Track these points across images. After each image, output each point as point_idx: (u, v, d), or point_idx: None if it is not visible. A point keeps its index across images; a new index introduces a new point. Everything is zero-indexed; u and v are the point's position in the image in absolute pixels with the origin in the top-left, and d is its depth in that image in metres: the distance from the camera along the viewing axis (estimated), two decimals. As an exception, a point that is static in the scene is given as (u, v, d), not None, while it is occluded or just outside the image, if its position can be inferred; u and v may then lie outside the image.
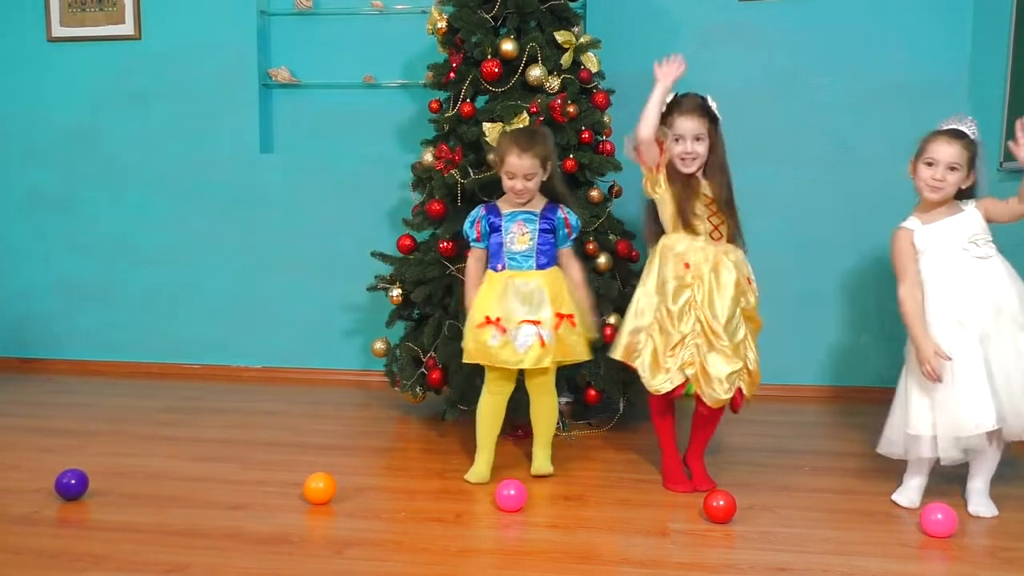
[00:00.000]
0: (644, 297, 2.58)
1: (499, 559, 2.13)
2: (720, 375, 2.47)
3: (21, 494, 2.54)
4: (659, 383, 2.51)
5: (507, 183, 2.61)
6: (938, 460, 2.43)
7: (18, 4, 4.16)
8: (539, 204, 2.66)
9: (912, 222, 2.47)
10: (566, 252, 2.71)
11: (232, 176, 4.06)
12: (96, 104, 4.16)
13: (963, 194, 2.46)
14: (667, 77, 2.49)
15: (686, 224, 2.54)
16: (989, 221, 2.43)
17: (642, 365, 2.55)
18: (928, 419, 2.37)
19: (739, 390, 2.50)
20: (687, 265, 2.51)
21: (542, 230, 2.63)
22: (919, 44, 3.61)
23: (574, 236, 2.71)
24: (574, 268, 2.72)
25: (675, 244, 2.55)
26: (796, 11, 3.69)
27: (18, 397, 3.80)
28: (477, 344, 2.58)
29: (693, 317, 2.49)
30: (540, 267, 2.62)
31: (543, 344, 2.54)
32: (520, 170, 2.58)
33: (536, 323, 2.55)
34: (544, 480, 2.69)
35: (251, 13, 4.01)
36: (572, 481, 2.69)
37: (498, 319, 2.55)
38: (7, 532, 2.28)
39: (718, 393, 2.47)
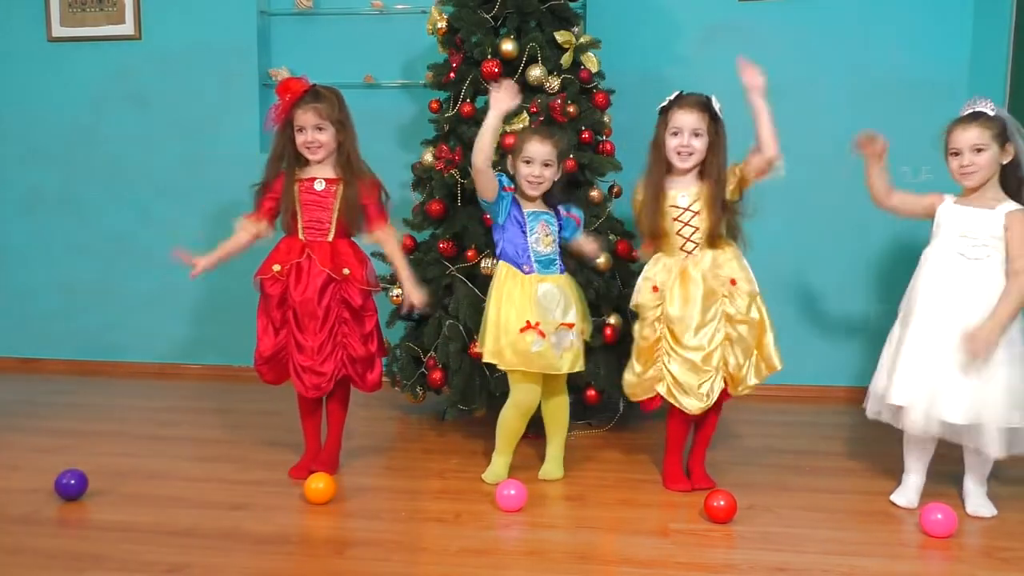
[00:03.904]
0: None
1: (499, 559, 2.14)
2: (691, 385, 2.49)
3: (21, 494, 2.54)
4: (629, 389, 2.62)
5: (524, 170, 2.56)
6: (934, 459, 2.46)
7: (18, 4, 4.16)
8: (545, 207, 2.65)
9: (950, 197, 2.48)
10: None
11: (232, 176, 4.03)
12: (96, 104, 4.16)
13: (1017, 179, 2.42)
14: None
15: (654, 243, 2.58)
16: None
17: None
18: (880, 380, 2.52)
19: (724, 389, 2.54)
20: (655, 289, 2.55)
21: (559, 233, 2.64)
22: (919, 44, 3.61)
23: (582, 225, 2.72)
24: (589, 243, 2.74)
25: (650, 268, 2.60)
26: (796, 11, 3.68)
27: (18, 397, 3.80)
28: (517, 352, 2.52)
29: (659, 331, 2.53)
30: (562, 271, 2.63)
31: (575, 347, 2.57)
32: (540, 155, 2.54)
33: (571, 326, 2.56)
34: (552, 479, 2.70)
35: (251, 13, 4.01)
36: (572, 481, 2.69)
37: (538, 323, 2.52)
38: (6, 532, 2.28)
39: (694, 403, 2.51)
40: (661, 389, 2.54)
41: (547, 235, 2.60)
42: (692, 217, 2.52)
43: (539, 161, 2.55)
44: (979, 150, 2.38)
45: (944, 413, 2.34)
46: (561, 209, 2.67)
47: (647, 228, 2.57)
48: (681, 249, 2.54)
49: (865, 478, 2.72)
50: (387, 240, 2.70)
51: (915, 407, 2.39)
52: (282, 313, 2.62)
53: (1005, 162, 2.41)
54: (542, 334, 2.51)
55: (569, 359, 2.56)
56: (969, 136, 2.39)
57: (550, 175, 2.58)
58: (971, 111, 2.43)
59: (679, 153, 2.50)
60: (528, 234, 2.59)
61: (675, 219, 2.53)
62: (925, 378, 2.38)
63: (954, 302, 2.38)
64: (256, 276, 2.66)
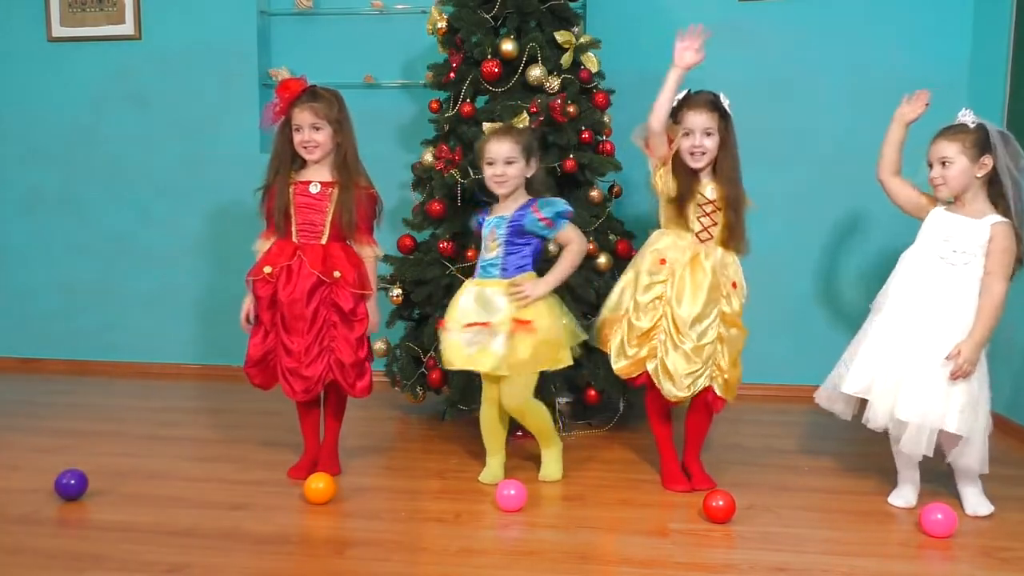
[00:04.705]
0: (618, 289, 2.62)
1: (499, 559, 2.14)
2: (678, 373, 2.49)
3: (20, 494, 2.54)
4: (620, 366, 2.58)
5: (487, 173, 2.58)
6: (933, 459, 2.45)
7: (18, 4, 4.16)
8: (513, 207, 2.59)
9: (942, 205, 2.48)
10: (563, 232, 2.59)
11: (232, 176, 4.05)
12: (96, 104, 4.16)
13: (998, 190, 2.41)
14: (683, 60, 2.47)
15: (676, 222, 2.57)
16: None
17: (612, 349, 2.60)
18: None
19: (712, 392, 2.54)
20: (663, 261, 2.54)
21: (509, 234, 2.57)
22: (919, 44, 3.61)
23: (561, 216, 2.56)
24: (573, 243, 2.60)
25: (657, 240, 2.60)
26: (796, 11, 3.69)
27: (18, 397, 3.80)
28: (447, 347, 2.62)
29: (660, 312, 2.52)
30: (506, 275, 2.56)
31: (488, 349, 2.52)
32: (499, 155, 2.54)
33: (484, 325, 2.52)
34: (552, 481, 2.70)
35: (251, 13, 4.02)
36: (572, 481, 2.69)
37: (442, 320, 2.59)
38: (6, 532, 2.28)
39: (674, 390, 2.50)
40: (650, 367, 2.53)
41: (493, 240, 2.59)
42: (715, 211, 2.54)
43: (501, 160, 2.55)
44: (945, 163, 2.39)
45: (898, 410, 2.38)
46: (532, 206, 2.57)
47: (673, 217, 2.58)
48: (696, 236, 2.55)
49: (865, 478, 2.72)
50: (366, 258, 2.70)
51: (873, 400, 2.43)
52: (271, 315, 2.62)
53: (979, 175, 2.40)
54: (446, 329, 2.59)
55: (488, 360, 2.51)
56: (937, 149, 2.42)
57: (515, 172, 2.56)
58: (950, 124, 2.44)
59: (692, 154, 2.51)
60: (482, 243, 2.63)
61: (699, 205, 2.54)
62: (884, 372, 2.42)
63: (927, 303, 2.40)
64: (248, 277, 2.66)
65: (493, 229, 2.60)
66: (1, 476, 2.70)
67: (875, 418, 2.43)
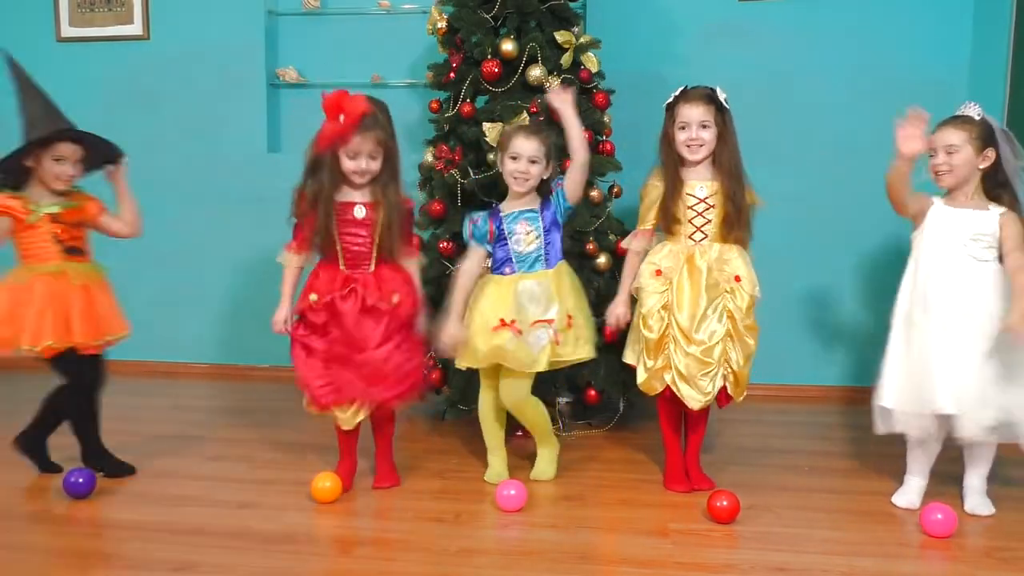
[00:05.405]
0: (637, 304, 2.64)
1: (499, 559, 2.16)
2: (693, 377, 2.50)
3: (29, 492, 2.58)
4: (642, 380, 2.58)
5: (510, 166, 2.55)
6: (938, 460, 2.46)
7: (27, 4, 4.18)
8: (536, 202, 2.62)
9: (937, 199, 2.47)
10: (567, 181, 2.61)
11: (240, 176, 4.07)
12: (105, 104, 4.17)
13: (998, 184, 2.42)
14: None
15: (666, 227, 2.59)
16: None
17: (637, 366, 2.61)
18: (895, 392, 2.42)
19: (723, 388, 2.53)
20: (658, 272, 2.56)
21: (547, 226, 2.59)
22: (919, 44, 3.61)
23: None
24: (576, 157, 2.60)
25: (655, 252, 2.61)
26: (796, 11, 3.68)
27: (28, 395, 3.81)
28: (491, 348, 2.52)
29: (666, 321, 2.53)
30: (550, 266, 2.59)
31: (555, 343, 2.52)
32: (525, 151, 2.53)
33: (549, 322, 2.52)
34: (544, 480, 2.71)
35: (259, 13, 4.03)
36: (572, 481, 2.70)
37: (513, 322, 2.50)
38: (15, 530, 2.31)
39: (696, 395, 2.51)
40: (667, 378, 2.54)
41: (528, 233, 2.57)
42: (707, 209, 2.54)
43: (525, 157, 2.54)
44: (951, 151, 2.39)
45: (984, 417, 2.32)
46: (551, 189, 2.62)
47: (663, 217, 2.58)
48: (689, 238, 2.56)
49: (865, 478, 2.73)
50: (412, 270, 2.62)
51: (966, 414, 2.33)
52: (327, 344, 2.50)
53: (982, 167, 2.41)
54: (518, 331, 2.50)
55: (546, 357, 2.51)
56: (943, 136, 2.41)
57: (537, 172, 2.56)
58: (954, 114, 2.44)
59: (688, 146, 2.52)
60: (509, 239, 2.58)
61: (690, 207, 2.54)
62: (967, 383, 2.33)
63: (969, 305, 2.36)
64: (297, 310, 2.54)
65: (525, 223, 2.58)
66: (10, 474, 2.73)
67: (968, 431, 2.34)
